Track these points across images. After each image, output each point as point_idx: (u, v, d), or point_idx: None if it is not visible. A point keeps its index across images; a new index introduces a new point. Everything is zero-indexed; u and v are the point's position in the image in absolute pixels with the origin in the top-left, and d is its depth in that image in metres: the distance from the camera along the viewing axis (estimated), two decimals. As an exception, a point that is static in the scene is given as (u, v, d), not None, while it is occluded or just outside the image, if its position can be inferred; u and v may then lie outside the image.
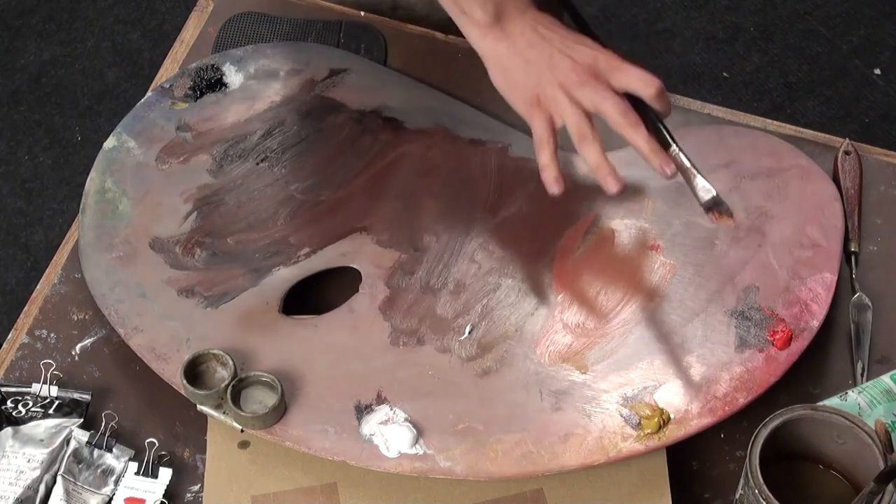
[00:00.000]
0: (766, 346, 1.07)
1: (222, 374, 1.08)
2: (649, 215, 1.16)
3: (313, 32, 1.33)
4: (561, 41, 1.08)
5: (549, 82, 1.07)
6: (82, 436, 1.07)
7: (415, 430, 1.05)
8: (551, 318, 1.11)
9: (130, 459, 1.07)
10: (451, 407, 1.07)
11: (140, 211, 1.19)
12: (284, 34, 1.33)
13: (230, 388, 1.06)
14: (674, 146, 1.07)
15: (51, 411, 1.09)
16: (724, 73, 2.40)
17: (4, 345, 1.15)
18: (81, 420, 1.09)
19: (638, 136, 1.05)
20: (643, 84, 1.06)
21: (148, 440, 1.08)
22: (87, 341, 1.15)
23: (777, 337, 1.07)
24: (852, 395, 1.06)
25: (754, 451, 0.96)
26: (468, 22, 1.11)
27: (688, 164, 1.07)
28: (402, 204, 1.19)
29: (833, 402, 1.06)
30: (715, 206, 1.07)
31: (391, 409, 1.06)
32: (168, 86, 1.27)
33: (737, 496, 1.00)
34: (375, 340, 1.11)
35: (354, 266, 1.16)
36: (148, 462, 1.07)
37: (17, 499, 1.04)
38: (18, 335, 1.15)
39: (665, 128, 1.07)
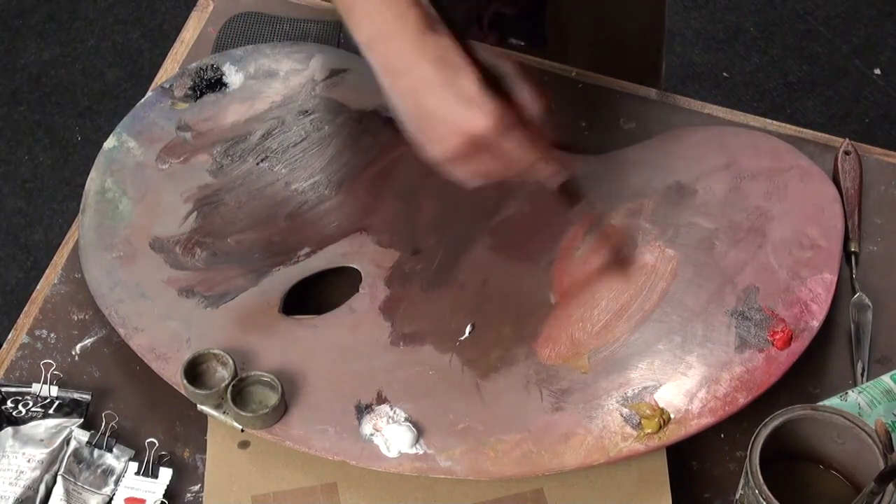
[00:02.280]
0: (766, 346, 1.07)
1: (222, 374, 1.08)
2: (649, 215, 1.16)
3: (313, 32, 1.33)
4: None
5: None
6: (82, 436, 1.07)
7: (415, 430, 1.05)
8: (551, 318, 1.11)
9: (130, 459, 1.07)
10: (451, 407, 1.06)
11: (140, 211, 1.19)
12: (284, 34, 1.33)
13: (230, 388, 1.06)
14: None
15: (51, 411, 1.09)
16: (724, 73, 2.40)
17: (4, 345, 1.15)
18: (81, 420, 1.09)
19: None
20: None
21: (148, 440, 1.08)
22: (87, 341, 1.15)
23: (777, 337, 1.07)
24: (852, 395, 1.06)
25: (754, 451, 0.96)
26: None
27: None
28: (402, 204, 1.19)
29: (833, 402, 1.06)
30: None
31: (391, 409, 1.06)
32: (168, 86, 1.27)
33: (737, 496, 1.00)
34: (375, 340, 1.11)
35: (354, 266, 1.16)
36: (148, 462, 1.07)
37: (17, 499, 1.04)
38: (18, 335, 1.15)
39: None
